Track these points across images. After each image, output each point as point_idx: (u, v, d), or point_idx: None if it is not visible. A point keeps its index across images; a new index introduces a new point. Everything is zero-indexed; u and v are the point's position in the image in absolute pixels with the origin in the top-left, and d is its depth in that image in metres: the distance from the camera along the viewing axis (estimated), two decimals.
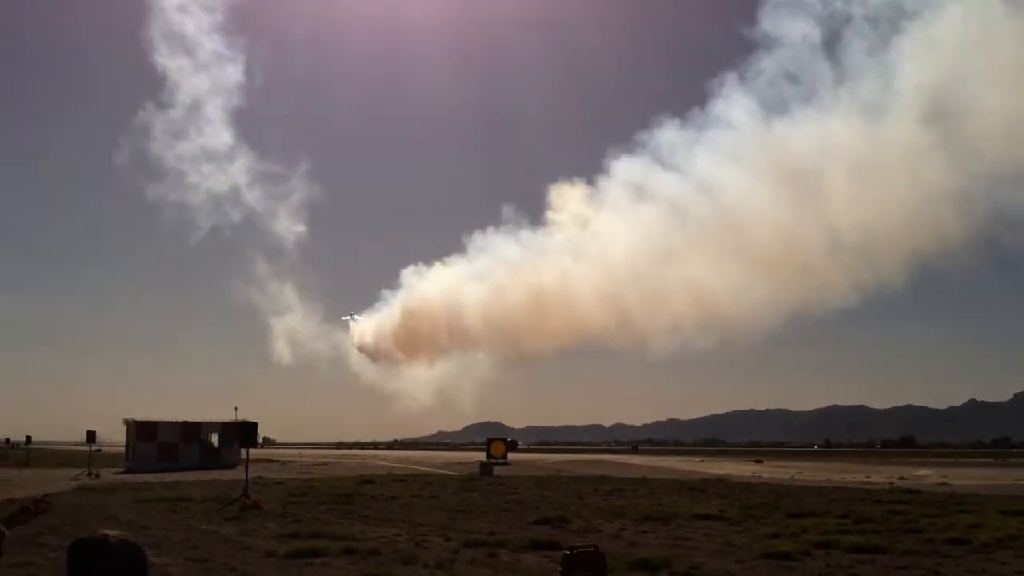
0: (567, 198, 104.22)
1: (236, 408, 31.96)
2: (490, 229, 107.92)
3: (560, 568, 13.42)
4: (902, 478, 46.64)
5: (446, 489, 35.02)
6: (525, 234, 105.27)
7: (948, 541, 17.47)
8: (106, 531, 2.66)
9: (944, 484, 40.50)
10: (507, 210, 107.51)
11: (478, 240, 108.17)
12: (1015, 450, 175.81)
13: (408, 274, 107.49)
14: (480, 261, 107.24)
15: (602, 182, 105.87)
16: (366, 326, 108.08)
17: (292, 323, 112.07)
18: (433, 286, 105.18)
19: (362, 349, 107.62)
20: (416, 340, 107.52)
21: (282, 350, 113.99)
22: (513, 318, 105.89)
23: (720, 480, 43.28)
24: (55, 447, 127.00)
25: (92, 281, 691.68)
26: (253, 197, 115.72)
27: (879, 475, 50.87)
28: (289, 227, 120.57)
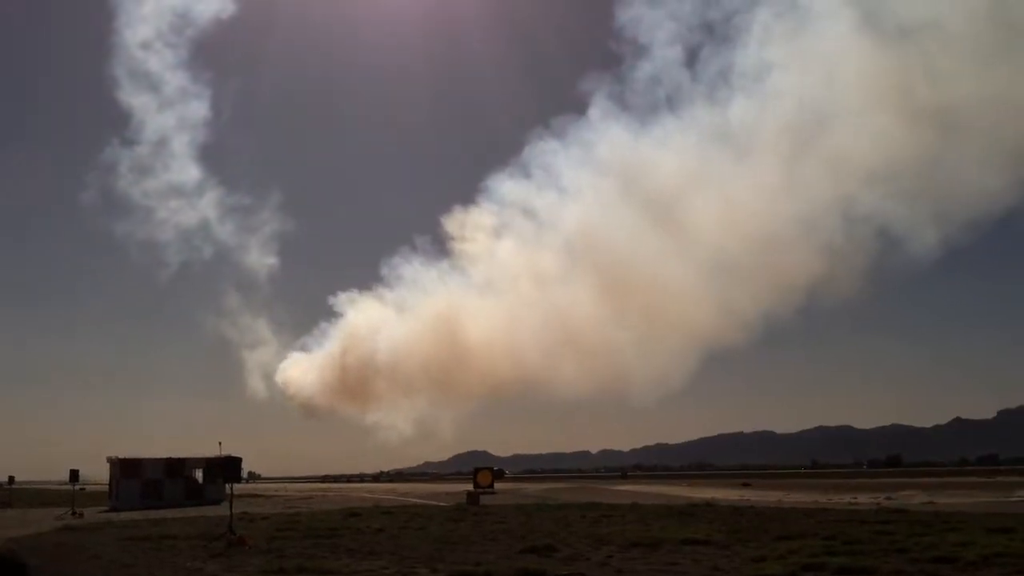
0: (467, 226, 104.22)
1: (220, 443, 31.78)
2: (415, 260, 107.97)
3: None
4: (889, 498, 46.73)
5: (433, 520, 34.84)
6: (438, 267, 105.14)
7: (935, 560, 17.48)
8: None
9: (931, 503, 40.60)
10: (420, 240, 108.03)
11: (403, 270, 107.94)
12: (1001, 468, 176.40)
13: (342, 303, 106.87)
14: (402, 293, 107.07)
15: (492, 205, 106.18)
16: (302, 375, 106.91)
17: (266, 356, 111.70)
18: (365, 320, 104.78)
19: (299, 402, 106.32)
20: (354, 387, 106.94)
21: (256, 384, 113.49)
22: (444, 361, 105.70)
23: (708, 504, 43.21)
24: (38, 487, 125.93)
25: (62, 320, 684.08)
26: (224, 231, 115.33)
27: (866, 496, 50.95)
28: (261, 259, 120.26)
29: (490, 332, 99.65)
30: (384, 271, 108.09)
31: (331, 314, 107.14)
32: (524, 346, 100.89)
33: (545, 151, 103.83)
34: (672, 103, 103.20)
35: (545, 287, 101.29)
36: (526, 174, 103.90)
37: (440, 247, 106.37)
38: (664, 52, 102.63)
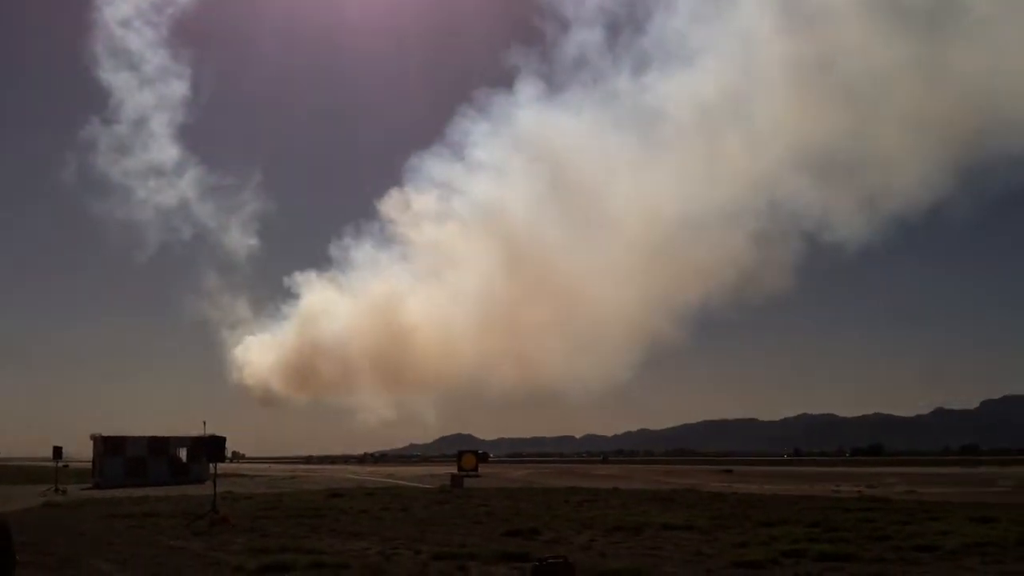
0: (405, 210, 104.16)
1: (204, 422, 31.68)
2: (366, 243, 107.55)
3: None
4: (871, 486, 46.93)
5: (417, 502, 34.89)
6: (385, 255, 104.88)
7: (916, 548, 17.59)
8: None
9: (912, 492, 40.81)
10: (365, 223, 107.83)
11: (350, 253, 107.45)
12: (983, 458, 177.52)
13: (299, 283, 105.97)
14: (349, 275, 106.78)
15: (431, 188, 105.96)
16: (260, 359, 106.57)
17: (247, 337, 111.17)
18: (319, 302, 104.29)
19: (255, 392, 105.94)
20: (306, 374, 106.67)
21: (239, 364, 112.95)
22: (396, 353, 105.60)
23: (690, 490, 43.36)
24: (21, 464, 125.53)
25: (40, 299, 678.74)
26: (204, 211, 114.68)
27: (848, 483, 51.18)
28: (241, 240, 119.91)
29: (429, 324, 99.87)
30: (334, 252, 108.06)
31: (288, 295, 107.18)
32: (460, 340, 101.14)
33: (469, 130, 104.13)
34: (595, 82, 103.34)
35: (475, 277, 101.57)
36: (455, 155, 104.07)
37: (380, 230, 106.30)
38: (586, 30, 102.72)
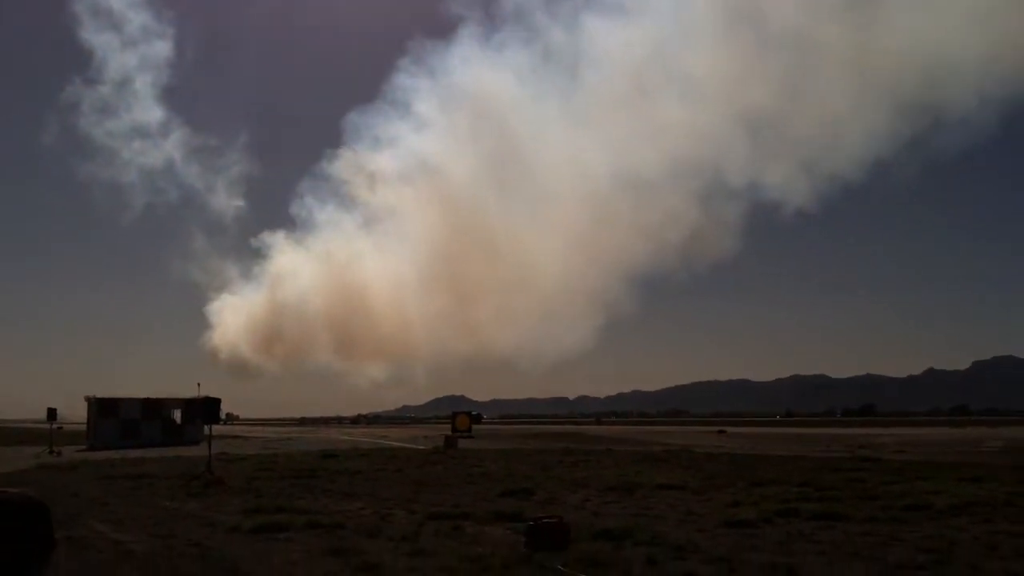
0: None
1: (199, 384, 31.76)
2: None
3: (524, 539, 13.53)
4: (862, 447, 47.25)
5: (411, 463, 35.05)
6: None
7: (906, 508, 17.72)
8: (6, 488, 2.60)
9: (903, 452, 41.11)
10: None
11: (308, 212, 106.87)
12: (973, 418, 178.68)
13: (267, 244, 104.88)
14: (307, 236, 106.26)
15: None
16: (230, 323, 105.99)
17: (234, 299, 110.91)
18: (286, 264, 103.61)
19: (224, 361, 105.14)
20: (275, 342, 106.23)
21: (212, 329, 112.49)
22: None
23: (683, 450, 43.62)
24: (15, 425, 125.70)
25: (26, 262, 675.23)
26: (189, 172, 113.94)
27: (839, 444, 51.53)
28: (228, 201, 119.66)
29: (383, 289, 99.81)
30: (295, 212, 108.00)
31: (258, 256, 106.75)
32: (412, 309, 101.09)
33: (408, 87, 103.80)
34: (534, 36, 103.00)
35: (424, 244, 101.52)
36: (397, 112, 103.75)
37: (334, 190, 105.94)
38: None
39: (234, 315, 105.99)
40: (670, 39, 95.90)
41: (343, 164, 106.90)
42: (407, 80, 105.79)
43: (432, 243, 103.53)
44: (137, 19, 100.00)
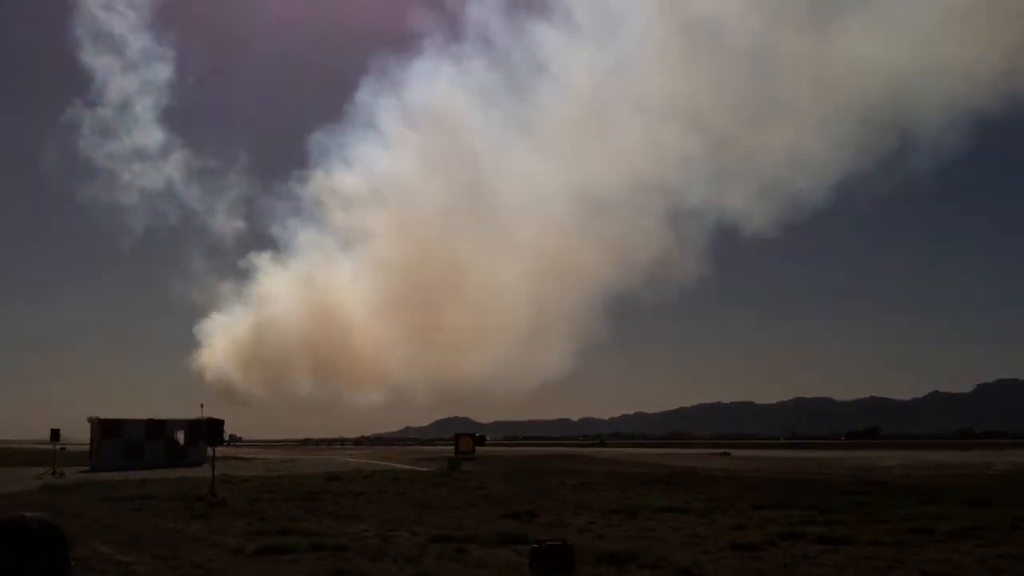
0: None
1: (202, 405, 31.80)
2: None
3: (528, 561, 13.49)
4: (867, 470, 47.09)
5: (414, 485, 35.00)
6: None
7: (912, 531, 17.68)
8: (23, 512, 2.61)
9: (908, 476, 40.97)
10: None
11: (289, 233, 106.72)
12: (978, 441, 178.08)
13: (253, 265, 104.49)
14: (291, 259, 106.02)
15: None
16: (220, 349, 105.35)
17: (233, 320, 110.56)
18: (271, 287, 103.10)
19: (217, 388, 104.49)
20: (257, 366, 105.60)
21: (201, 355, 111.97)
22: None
23: (687, 473, 43.52)
24: (17, 445, 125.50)
25: (27, 285, 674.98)
26: (190, 194, 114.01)
27: (844, 467, 51.35)
28: (228, 222, 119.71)
29: (359, 313, 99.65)
30: (276, 233, 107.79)
31: (245, 277, 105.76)
32: (382, 331, 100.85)
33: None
34: (494, 54, 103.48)
35: (395, 275, 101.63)
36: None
37: (306, 211, 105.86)
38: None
39: (223, 337, 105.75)
40: (627, 53, 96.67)
41: (315, 185, 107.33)
42: (369, 98, 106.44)
43: (399, 267, 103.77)
44: (138, 43, 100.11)
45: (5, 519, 2.56)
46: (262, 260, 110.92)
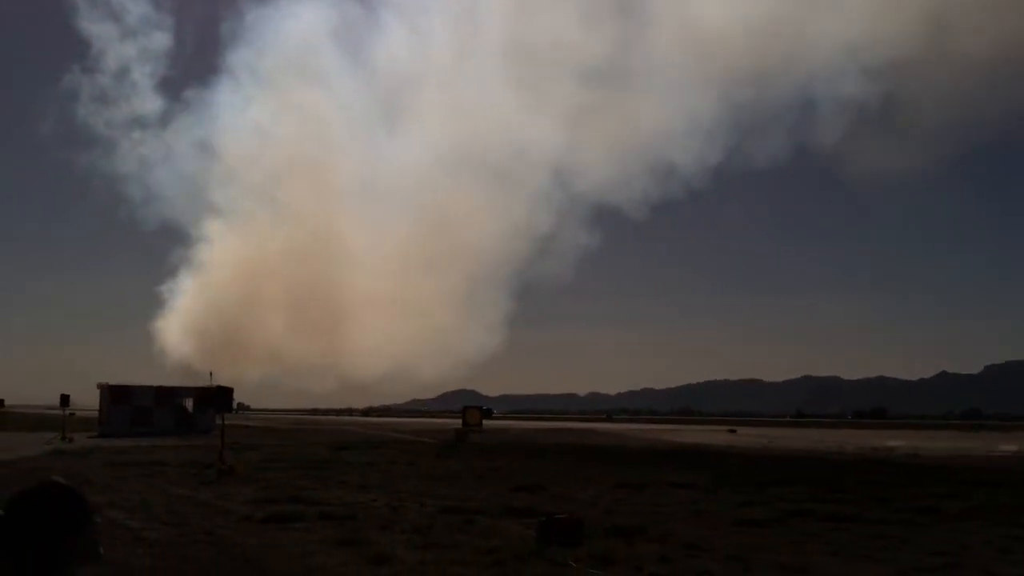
0: None
1: (211, 373, 31.79)
2: None
3: (537, 534, 13.53)
4: (874, 449, 47.12)
5: (422, 456, 35.11)
6: None
7: (918, 511, 17.68)
8: (52, 478, 2.61)
9: (915, 455, 40.97)
10: None
11: None
12: (985, 422, 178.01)
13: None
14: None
15: None
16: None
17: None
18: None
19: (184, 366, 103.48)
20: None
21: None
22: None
23: (694, 448, 43.58)
24: (28, 411, 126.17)
25: (30, 252, 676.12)
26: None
27: (851, 445, 51.38)
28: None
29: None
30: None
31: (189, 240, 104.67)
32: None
33: None
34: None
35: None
36: None
37: None
38: None
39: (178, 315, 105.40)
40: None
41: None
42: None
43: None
44: (136, 9, 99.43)
45: (44, 483, 2.57)
46: (212, 224, 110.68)
